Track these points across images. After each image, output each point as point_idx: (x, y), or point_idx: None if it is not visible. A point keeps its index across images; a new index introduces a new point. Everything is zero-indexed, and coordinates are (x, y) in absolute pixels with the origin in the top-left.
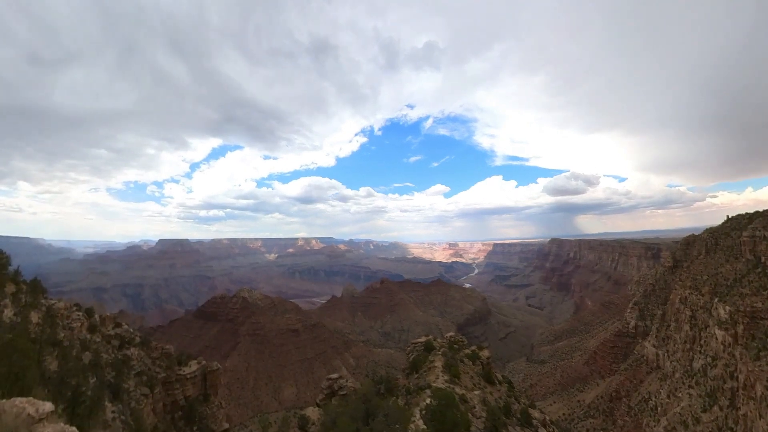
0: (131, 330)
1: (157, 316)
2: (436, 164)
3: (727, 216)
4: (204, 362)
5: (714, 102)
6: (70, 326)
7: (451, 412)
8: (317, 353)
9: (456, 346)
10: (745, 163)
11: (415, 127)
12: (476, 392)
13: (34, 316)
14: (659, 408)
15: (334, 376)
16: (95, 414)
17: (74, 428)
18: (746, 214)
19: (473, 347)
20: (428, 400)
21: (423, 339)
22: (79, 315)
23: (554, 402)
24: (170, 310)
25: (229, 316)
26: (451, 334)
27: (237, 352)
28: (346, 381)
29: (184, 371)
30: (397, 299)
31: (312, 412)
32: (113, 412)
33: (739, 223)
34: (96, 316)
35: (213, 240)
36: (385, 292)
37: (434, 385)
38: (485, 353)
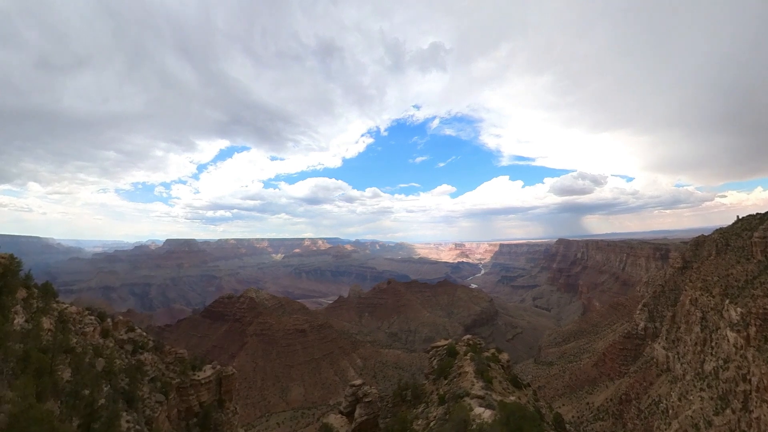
0: (144, 334)
1: (164, 316)
2: (442, 164)
3: (738, 216)
4: (219, 367)
5: (722, 101)
6: (82, 331)
7: (528, 425)
8: (324, 354)
9: (477, 349)
10: (754, 162)
11: (421, 127)
12: (512, 398)
13: (46, 322)
14: (670, 411)
15: (358, 382)
16: (112, 429)
17: None
18: (757, 214)
19: (492, 350)
20: (477, 410)
21: (444, 342)
22: (91, 319)
23: (563, 404)
24: (178, 309)
25: (236, 315)
26: (469, 336)
27: (244, 352)
28: (370, 388)
29: (198, 376)
30: (404, 300)
31: (335, 420)
32: (128, 421)
33: (750, 223)
34: (108, 320)
35: (220, 240)
36: (391, 292)
37: (472, 392)
38: (505, 356)
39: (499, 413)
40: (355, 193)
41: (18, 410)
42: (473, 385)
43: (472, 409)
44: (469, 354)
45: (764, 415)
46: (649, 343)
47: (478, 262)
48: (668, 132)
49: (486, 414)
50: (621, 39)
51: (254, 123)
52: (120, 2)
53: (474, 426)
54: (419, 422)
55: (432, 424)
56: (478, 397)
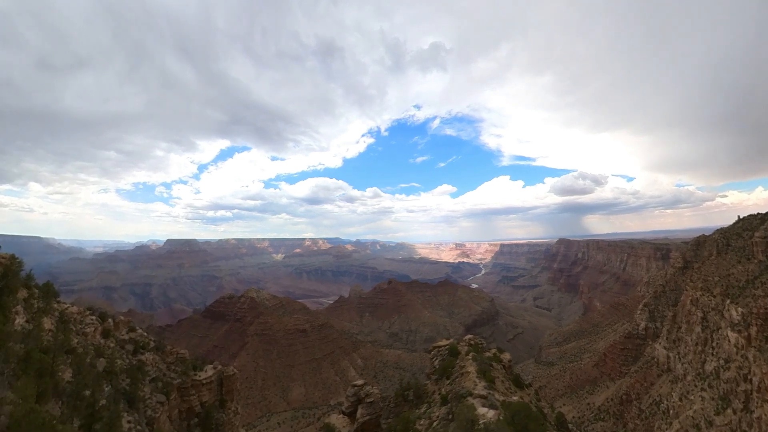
0: (145, 334)
1: (165, 316)
2: (442, 164)
3: (738, 216)
4: (220, 367)
5: (723, 100)
6: (83, 331)
7: (533, 425)
8: (325, 354)
9: (479, 349)
10: (755, 162)
11: (422, 127)
12: (514, 398)
13: (47, 322)
14: (671, 411)
15: (360, 382)
16: (113, 430)
17: None
18: (758, 214)
19: (494, 350)
20: (481, 410)
21: (446, 342)
22: (92, 319)
23: (564, 404)
24: (178, 309)
25: (237, 315)
26: (470, 336)
27: (245, 352)
28: (372, 388)
29: (200, 377)
30: (405, 300)
31: (337, 420)
32: (129, 422)
33: (750, 223)
34: (110, 320)
35: (220, 240)
36: (392, 292)
37: (475, 392)
38: (506, 356)
39: (503, 413)
40: (355, 193)
41: (19, 414)
42: (476, 385)
43: (475, 409)
44: (471, 354)
45: (765, 415)
46: (650, 343)
47: (479, 262)
48: (668, 132)
49: (490, 414)
50: (621, 39)
51: (255, 123)
52: (120, 2)
53: (481, 425)
54: (422, 422)
55: (435, 424)
56: (481, 396)
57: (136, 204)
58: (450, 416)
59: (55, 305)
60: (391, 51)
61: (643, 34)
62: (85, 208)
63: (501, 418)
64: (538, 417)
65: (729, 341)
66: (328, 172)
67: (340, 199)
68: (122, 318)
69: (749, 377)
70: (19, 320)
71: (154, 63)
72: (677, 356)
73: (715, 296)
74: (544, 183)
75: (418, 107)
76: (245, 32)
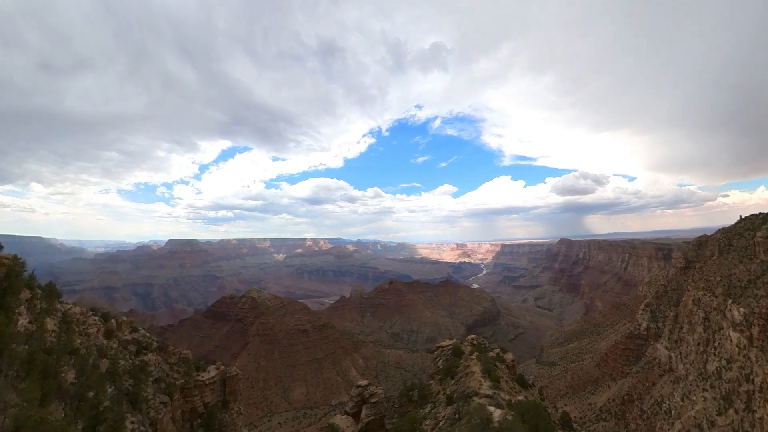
0: (148, 334)
1: (166, 316)
2: (443, 164)
3: (740, 216)
4: (223, 367)
5: (724, 100)
6: (86, 332)
7: (543, 424)
8: (327, 354)
9: (482, 349)
10: (757, 162)
11: (423, 127)
12: (520, 398)
13: (50, 323)
14: (673, 411)
15: (364, 383)
16: (117, 431)
17: None
18: (760, 214)
19: (497, 350)
20: (488, 410)
21: (449, 342)
22: (95, 320)
23: (566, 404)
24: (180, 309)
25: (238, 316)
26: (473, 336)
27: (246, 352)
28: (376, 388)
29: (202, 377)
30: (406, 300)
31: (341, 420)
32: (133, 422)
33: (752, 223)
34: (112, 320)
35: (222, 240)
36: (393, 292)
37: (481, 391)
38: (509, 356)
39: (510, 412)
40: (356, 193)
41: (29, 425)
42: (481, 384)
43: (487, 408)
44: (474, 354)
45: (767, 415)
46: (652, 343)
47: (480, 262)
48: (670, 131)
49: (497, 413)
50: (622, 38)
51: (256, 123)
52: (121, 3)
53: (495, 424)
54: (428, 422)
55: (441, 423)
56: (487, 396)
57: (137, 204)
58: (456, 416)
59: (58, 306)
60: (392, 51)
61: (644, 34)
62: (87, 208)
63: (509, 417)
64: (547, 416)
65: (731, 341)
66: (329, 173)
67: (341, 200)
68: (125, 318)
69: (751, 377)
70: (22, 321)
71: (155, 64)
72: (679, 356)
73: (717, 296)
74: (545, 183)
75: (419, 107)
76: (246, 33)
